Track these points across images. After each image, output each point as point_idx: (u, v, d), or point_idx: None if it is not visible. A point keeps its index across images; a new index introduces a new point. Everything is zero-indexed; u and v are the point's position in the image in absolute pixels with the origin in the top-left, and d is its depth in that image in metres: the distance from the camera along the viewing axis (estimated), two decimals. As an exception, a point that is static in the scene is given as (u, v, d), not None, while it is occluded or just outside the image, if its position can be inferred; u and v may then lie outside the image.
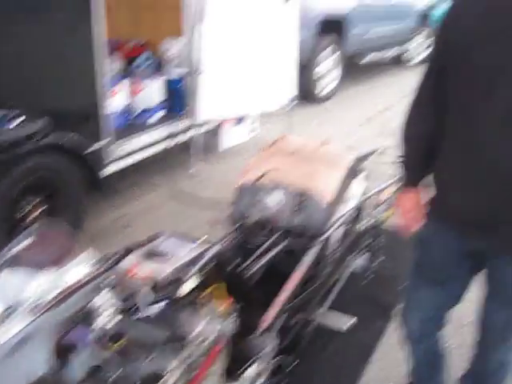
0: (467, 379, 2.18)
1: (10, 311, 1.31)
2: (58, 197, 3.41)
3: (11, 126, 3.01)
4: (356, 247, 2.96)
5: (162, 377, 1.50)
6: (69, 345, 1.32)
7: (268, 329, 2.10)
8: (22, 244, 1.47)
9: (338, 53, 7.72)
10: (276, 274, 2.36)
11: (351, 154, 2.90)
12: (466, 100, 1.61)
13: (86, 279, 1.40)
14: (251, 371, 1.96)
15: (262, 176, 2.48)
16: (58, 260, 1.44)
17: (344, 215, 2.61)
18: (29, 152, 3.08)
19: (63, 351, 1.31)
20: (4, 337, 1.25)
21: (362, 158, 3.02)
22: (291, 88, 5.50)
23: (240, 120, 5.66)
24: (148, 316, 1.49)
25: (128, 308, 1.45)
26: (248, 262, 2.22)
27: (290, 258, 2.42)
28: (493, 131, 1.55)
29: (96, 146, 3.71)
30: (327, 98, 7.71)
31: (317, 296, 2.47)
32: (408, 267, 3.17)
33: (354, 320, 2.57)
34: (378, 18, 8.61)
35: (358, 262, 3.04)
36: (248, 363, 1.99)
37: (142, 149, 4.41)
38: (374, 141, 5.75)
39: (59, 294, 1.33)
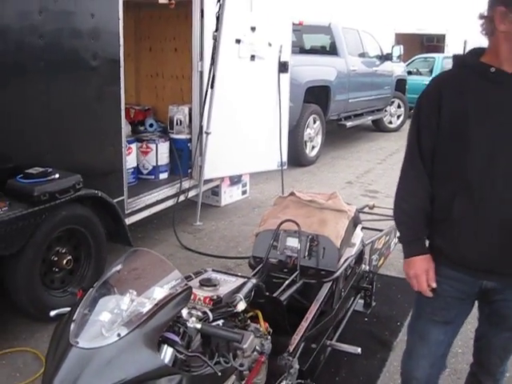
0: None
1: (114, 321, 1.67)
2: (82, 248, 3.74)
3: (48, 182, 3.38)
4: (358, 287, 3.36)
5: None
6: (164, 341, 1.68)
7: (293, 352, 2.46)
8: (117, 267, 1.84)
9: (322, 120, 8.36)
10: (295, 306, 2.74)
11: (353, 206, 3.34)
12: (465, 169, 1.81)
13: (174, 295, 1.76)
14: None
15: (282, 223, 2.89)
16: (149, 280, 1.82)
17: (351, 257, 3.02)
18: (63, 204, 3.44)
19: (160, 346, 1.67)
20: (111, 340, 1.60)
21: (359, 210, 3.46)
22: (282, 151, 6.02)
23: (235, 181, 6.16)
24: (216, 326, 1.86)
25: (202, 319, 1.82)
26: (275, 295, 2.59)
27: (307, 293, 2.81)
28: (498, 193, 1.78)
29: (119, 199, 4.10)
30: (312, 161, 8.26)
31: (330, 326, 2.84)
32: (401, 309, 3.60)
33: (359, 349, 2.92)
34: (362, 84, 9.35)
35: (359, 301, 3.44)
36: (278, 380, 2.35)
37: (152, 205, 4.81)
38: (359, 200, 6.25)
39: (154, 306, 1.70)
